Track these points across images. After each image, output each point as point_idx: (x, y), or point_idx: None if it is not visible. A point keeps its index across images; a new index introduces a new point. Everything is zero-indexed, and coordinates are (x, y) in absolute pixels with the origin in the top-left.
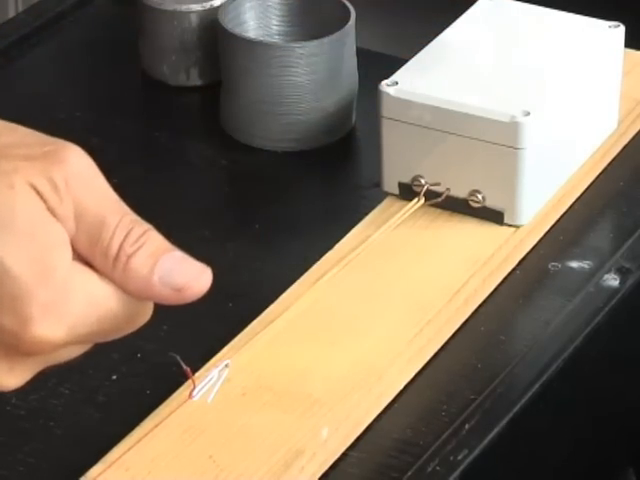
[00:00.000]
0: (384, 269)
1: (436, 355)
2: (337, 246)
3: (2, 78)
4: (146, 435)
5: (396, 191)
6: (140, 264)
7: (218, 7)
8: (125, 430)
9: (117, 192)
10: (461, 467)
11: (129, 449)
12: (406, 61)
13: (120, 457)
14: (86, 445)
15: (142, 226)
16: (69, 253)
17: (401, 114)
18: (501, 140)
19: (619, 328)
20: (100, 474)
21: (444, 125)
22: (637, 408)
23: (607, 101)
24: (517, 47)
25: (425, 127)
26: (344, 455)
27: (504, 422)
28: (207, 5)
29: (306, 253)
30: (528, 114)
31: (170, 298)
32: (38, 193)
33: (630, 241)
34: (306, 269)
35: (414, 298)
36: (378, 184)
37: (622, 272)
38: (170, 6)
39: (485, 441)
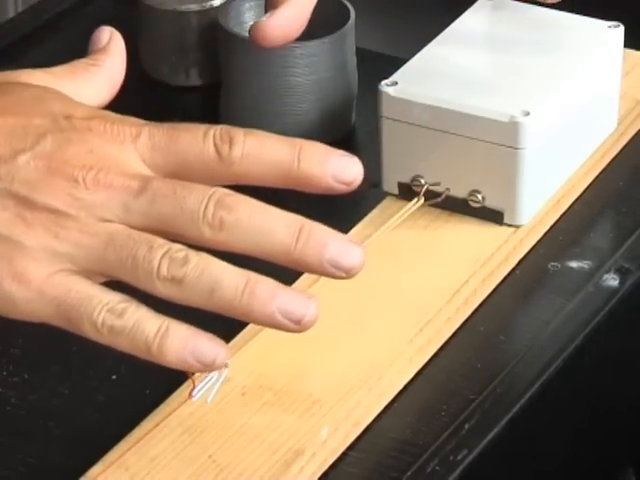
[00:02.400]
0: (384, 269)
1: (436, 355)
2: None
3: None
4: (146, 435)
5: (396, 191)
6: None
7: (218, 7)
8: (125, 430)
9: None
10: (461, 467)
11: (129, 449)
12: (406, 61)
13: (120, 457)
14: (86, 445)
15: None
16: None
17: (401, 114)
18: (501, 140)
19: (619, 328)
20: (100, 474)
21: (444, 125)
22: (637, 408)
23: (607, 101)
24: (517, 47)
25: (425, 127)
26: (344, 455)
27: (504, 422)
28: (207, 5)
29: None
30: (528, 114)
31: None
32: None
33: (630, 241)
34: None
35: (414, 298)
36: (377, 184)
37: (622, 272)
38: (170, 6)
39: (485, 441)
